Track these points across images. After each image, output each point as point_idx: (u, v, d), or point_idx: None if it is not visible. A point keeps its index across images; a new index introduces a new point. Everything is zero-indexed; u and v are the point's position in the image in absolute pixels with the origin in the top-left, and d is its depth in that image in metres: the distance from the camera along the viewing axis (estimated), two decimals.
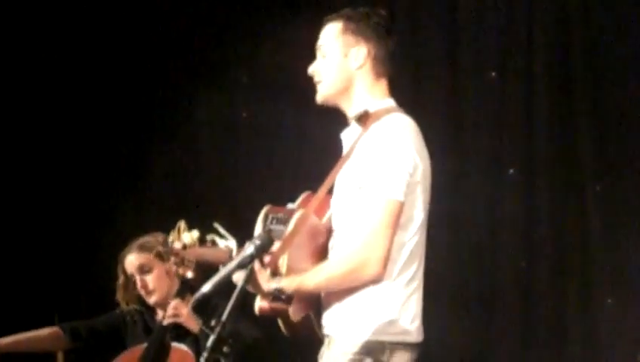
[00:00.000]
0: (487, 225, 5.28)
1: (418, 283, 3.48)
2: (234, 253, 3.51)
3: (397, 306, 3.40)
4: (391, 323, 3.38)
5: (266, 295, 3.40)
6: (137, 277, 4.85)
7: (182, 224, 3.64)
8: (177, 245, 3.63)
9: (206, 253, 3.60)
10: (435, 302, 5.10)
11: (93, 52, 6.05)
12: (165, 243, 3.90)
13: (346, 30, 3.53)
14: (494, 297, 5.26)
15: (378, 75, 3.54)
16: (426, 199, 3.47)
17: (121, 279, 4.92)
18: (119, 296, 4.94)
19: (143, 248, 4.83)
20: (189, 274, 4.35)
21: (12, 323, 5.07)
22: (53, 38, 6.05)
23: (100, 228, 5.94)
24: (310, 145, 5.49)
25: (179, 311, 4.59)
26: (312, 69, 3.59)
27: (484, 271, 5.29)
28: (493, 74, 5.29)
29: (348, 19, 3.55)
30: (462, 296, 5.28)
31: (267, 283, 3.37)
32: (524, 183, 5.25)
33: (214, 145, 6.05)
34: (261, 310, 3.46)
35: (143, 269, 4.83)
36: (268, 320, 3.49)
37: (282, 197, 3.63)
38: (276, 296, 3.38)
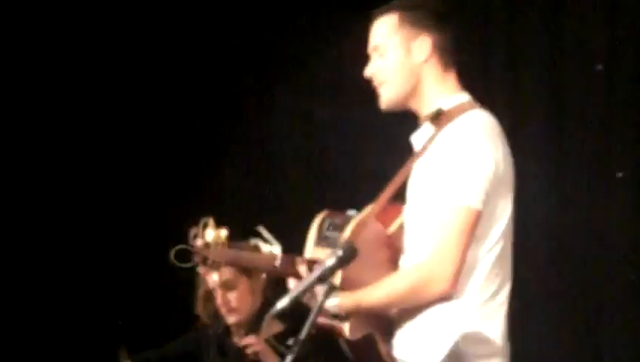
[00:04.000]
0: (591, 235, 4.80)
1: (503, 300, 3.12)
2: (278, 259, 3.23)
3: (476, 326, 3.05)
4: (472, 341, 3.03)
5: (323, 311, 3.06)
6: (219, 293, 4.46)
7: (209, 220, 3.34)
8: (199, 242, 3.33)
9: (244, 258, 3.37)
10: (533, 319, 4.71)
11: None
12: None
13: (403, 22, 3.19)
14: (600, 314, 4.78)
15: (446, 66, 3.20)
16: (509, 207, 3.12)
17: (201, 291, 4.56)
18: (199, 309, 4.59)
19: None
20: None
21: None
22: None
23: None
24: (384, 148, 5.08)
25: (255, 348, 4.28)
26: (371, 71, 3.24)
27: (588, 285, 4.81)
28: (600, 67, 4.82)
29: (403, 9, 3.20)
30: (563, 313, 4.80)
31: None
32: (634, 188, 4.76)
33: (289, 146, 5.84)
34: (317, 326, 3.08)
35: (227, 285, 4.45)
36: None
37: (354, 202, 3.32)
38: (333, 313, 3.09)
